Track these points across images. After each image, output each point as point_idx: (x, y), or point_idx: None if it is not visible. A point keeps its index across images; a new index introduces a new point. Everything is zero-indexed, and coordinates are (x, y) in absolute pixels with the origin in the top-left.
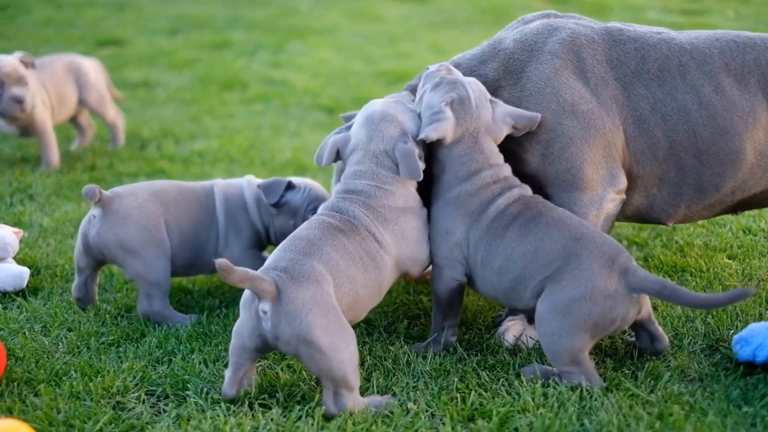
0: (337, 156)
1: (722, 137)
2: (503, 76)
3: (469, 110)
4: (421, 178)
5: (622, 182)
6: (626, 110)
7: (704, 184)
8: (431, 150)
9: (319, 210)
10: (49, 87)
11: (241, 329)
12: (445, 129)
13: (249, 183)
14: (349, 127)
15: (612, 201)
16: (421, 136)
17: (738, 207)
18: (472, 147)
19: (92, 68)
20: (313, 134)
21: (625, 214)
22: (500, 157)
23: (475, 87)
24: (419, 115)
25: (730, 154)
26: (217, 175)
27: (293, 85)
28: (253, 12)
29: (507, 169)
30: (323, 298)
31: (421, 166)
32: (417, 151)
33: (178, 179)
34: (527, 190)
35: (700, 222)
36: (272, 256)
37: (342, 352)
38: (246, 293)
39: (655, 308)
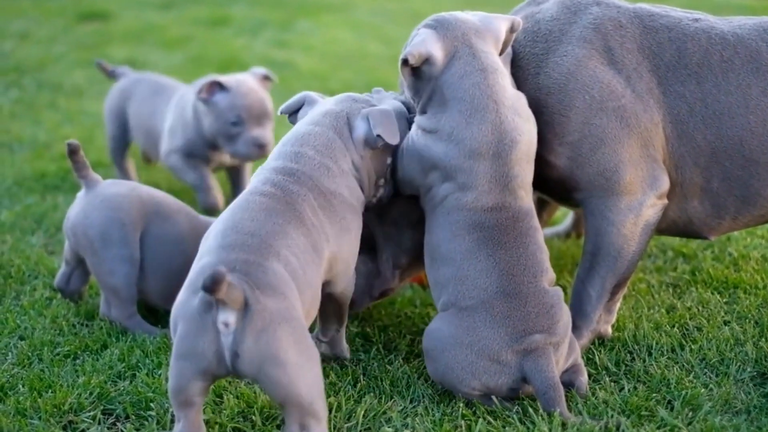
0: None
1: None
2: (515, 69)
3: (448, 23)
4: (398, 141)
5: (665, 185)
6: (663, 107)
7: (752, 195)
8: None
9: (257, 179)
10: None
11: (191, 349)
12: (426, 41)
13: None
14: None
15: (652, 207)
16: (402, 56)
17: None
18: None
19: None
20: None
21: (658, 227)
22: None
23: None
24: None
25: None
26: None
27: (299, 67)
28: None
29: None
30: (290, 312)
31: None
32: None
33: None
34: None
35: (759, 232)
36: (215, 250)
37: (309, 373)
38: (194, 302)
39: (699, 329)
